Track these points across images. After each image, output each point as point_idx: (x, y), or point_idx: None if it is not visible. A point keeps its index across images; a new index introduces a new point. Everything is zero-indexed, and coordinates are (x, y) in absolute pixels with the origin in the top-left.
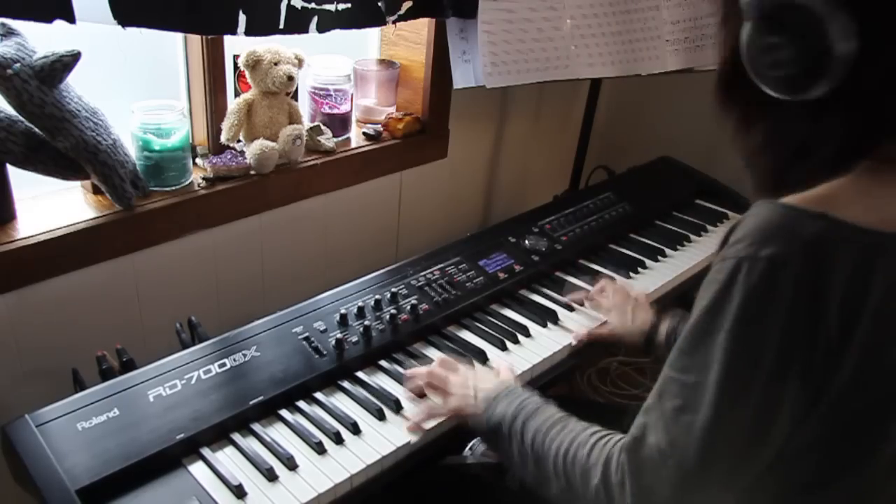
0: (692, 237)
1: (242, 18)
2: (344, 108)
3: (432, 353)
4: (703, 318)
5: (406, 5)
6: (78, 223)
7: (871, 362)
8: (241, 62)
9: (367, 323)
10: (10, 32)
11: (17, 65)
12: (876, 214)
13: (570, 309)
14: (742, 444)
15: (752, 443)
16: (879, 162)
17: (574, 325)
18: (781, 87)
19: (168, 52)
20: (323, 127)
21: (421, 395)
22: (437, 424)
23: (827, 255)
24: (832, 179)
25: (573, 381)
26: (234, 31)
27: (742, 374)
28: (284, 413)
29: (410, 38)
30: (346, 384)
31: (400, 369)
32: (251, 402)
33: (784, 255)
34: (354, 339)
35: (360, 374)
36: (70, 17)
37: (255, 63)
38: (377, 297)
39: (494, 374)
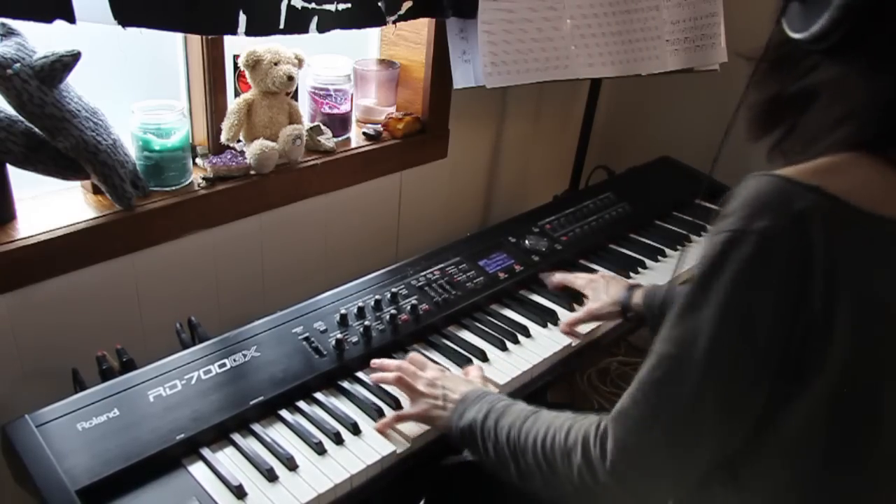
0: (692, 237)
1: (242, 18)
2: (344, 108)
3: (432, 353)
4: (692, 291)
5: (406, 5)
6: (78, 223)
7: (857, 342)
8: (241, 62)
9: (367, 323)
10: (10, 32)
11: (17, 65)
12: (867, 193)
13: (570, 309)
14: (723, 417)
15: (735, 415)
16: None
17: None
18: (797, 22)
19: (168, 52)
20: (323, 127)
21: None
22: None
23: (815, 230)
24: (837, 154)
25: (573, 381)
26: (234, 31)
27: (729, 347)
28: (284, 413)
29: (410, 38)
30: (346, 384)
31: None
32: (251, 403)
33: (775, 229)
34: (354, 339)
35: (360, 375)
36: (70, 17)
37: (255, 63)
38: (377, 297)
39: (463, 376)
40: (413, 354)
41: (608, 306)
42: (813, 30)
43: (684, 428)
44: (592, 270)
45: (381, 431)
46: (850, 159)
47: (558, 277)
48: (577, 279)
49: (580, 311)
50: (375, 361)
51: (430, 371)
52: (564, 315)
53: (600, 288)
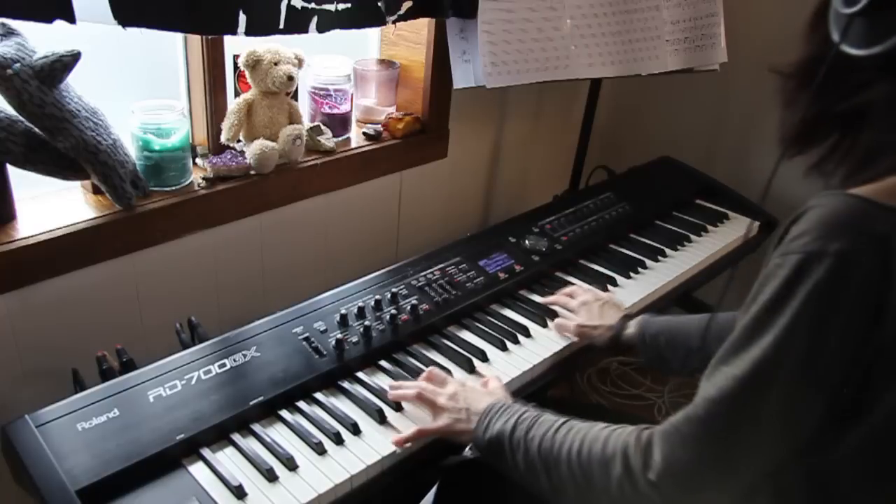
0: (692, 237)
1: (242, 18)
2: (344, 108)
3: (432, 353)
4: (760, 313)
5: (406, 5)
6: (78, 223)
7: None
8: (241, 62)
9: (367, 323)
10: (10, 32)
11: (17, 65)
12: None
13: (570, 310)
14: (778, 440)
15: (789, 438)
16: None
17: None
18: (856, 35)
19: (168, 52)
20: (323, 127)
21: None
22: None
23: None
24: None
25: (573, 381)
26: (234, 31)
27: (797, 372)
28: (284, 413)
29: (410, 38)
30: (346, 384)
31: (400, 370)
32: (251, 403)
33: (853, 251)
34: (354, 339)
35: (360, 375)
36: (70, 17)
37: (255, 63)
38: (377, 297)
39: (482, 385)
40: (432, 369)
41: (602, 330)
42: (876, 48)
43: (738, 449)
44: (592, 270)
45: (400, 445)
46: None
47: (549, 299)
48: (570, 303)
49: (572, 324)
50: (393, 384)
51: (450, 385)
52: (565, 316)
53: (594, 312)
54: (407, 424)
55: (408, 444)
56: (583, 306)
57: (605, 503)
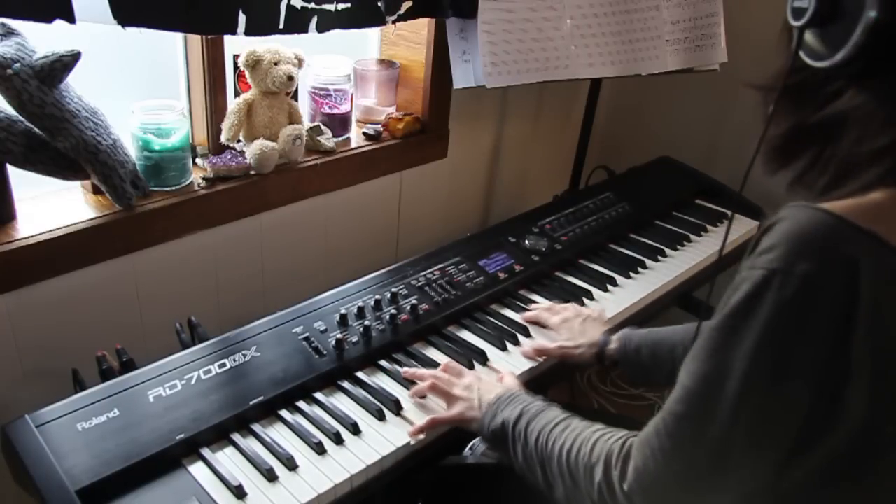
0: (692, 237)
1: (242, 18)
2: (344, 108)
3: (432, 353)
4: (723, 327)
5: (406, 5)
6: (78, 223)
7: (883, 399)
8: (241, 62)
9: (367, 323)
10: (10, 32)
11: (17, 65)
12: None
13: (549, 327)
14: (752, 456)
15: (762, 455)
16: None
17: None
18: (814, 46)
19: (168, 52)
20: (323, 127)
21: (422, 397)
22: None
23: (865, 279)
24: (882, 189)
25: (573, 382)
26: (233, 31)
27: (761, 390)
28: (284, 413)
29: (410, 38)
30: (346, 384)
31: (400, 370)
32: (251, 403)
33: (821, 274)
34: (354, 339)
35: (360, 375)
36: (70, 17)
37: (255, 63)
38: (377, 297)
39: (498, 380)
40: (449, 361)
41: (585, 348)
42: (836, 58)
43: (708, 466)
44: (592, 270)
45: (415, 435)
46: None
47: (528, 316)
48: (550, 319)
49: (553, 345)
50: (407, 371)
51: (466, 377)
52: (544, 334)
53: (575, 329)
54: (406, 425)
55: (420, 437)
56: (563, 324)
57: None
